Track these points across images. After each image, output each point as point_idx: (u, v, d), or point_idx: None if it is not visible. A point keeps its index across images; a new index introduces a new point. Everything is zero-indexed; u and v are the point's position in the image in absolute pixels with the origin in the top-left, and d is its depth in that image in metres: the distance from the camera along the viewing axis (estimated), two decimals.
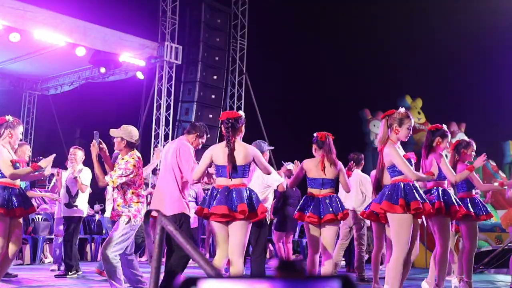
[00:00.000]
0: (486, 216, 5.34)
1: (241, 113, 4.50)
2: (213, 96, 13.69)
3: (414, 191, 4.19)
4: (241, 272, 4.32)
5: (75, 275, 6.77)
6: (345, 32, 16.04)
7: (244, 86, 14.21)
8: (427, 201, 4.27)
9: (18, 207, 4.59)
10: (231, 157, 4.20)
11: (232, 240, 4.24)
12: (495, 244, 9.82)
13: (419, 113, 16.05)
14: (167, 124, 12.51)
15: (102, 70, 12.10)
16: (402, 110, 4.41)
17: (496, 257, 8.09)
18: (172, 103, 12.55)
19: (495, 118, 16.07)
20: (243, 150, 4.25)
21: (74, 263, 6.82)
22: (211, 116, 13.55)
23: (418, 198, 4.15)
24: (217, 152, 4.29)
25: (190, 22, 13.72)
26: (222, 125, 4.42)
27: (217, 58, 13.77)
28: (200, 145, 4.89)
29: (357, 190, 6.98)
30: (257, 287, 0.81)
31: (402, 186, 4.18)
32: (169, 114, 12.53)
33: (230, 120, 4.29)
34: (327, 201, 4.95)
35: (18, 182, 4.72)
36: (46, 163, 4.75)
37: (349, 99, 16.16)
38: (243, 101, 14.14)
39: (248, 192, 4.23)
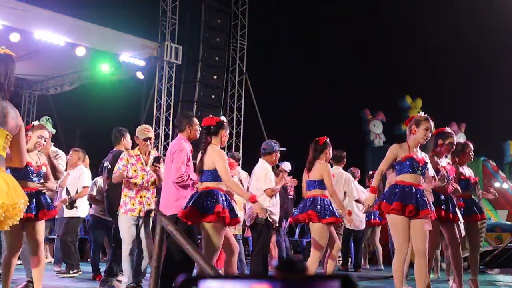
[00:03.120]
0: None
1: (222, 118, 4.60)
2: (213, 96, 13.66)
3: (399, 192, 4.19)
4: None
5: (76, 274, 6.78)
6: (345, 32, 16.04)
7: (244, 86, 14.18)
8: (415, 203, 4.19)
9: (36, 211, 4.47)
10: (200, 162, 4.35)
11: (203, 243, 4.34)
12: (495, 244, 9.81)
13: (419, 113, 16.02)
14: (167, 124, 12.50)
15: (102, 69, 12.10)
16: (421, 113, 4.57)
17: (496, 257, 8.08)
18: (172, 103, 12.55)
19: (495, 118, 16.08)
20: (209, 155, 4.31)
21: (74, 262, 6.83)
22: (211, 116, 13.50)
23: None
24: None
25: (190, 22, 13.69)
26: None
27: (217, 58, 13.75)
28: (198, 131, 4.77)
29: (339, 188, 6.79)
30: (257, 287, 0.80)
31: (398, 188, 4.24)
32: (169, 114, 12.52)
33: (210, 127, 4.44)
34: (308, 202, 5.14)
35: (36, 185, 4.53)
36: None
37: (349, 99, 16.15)
38: (243, 101, 14.11)
39: (205, 195, 4.18)
